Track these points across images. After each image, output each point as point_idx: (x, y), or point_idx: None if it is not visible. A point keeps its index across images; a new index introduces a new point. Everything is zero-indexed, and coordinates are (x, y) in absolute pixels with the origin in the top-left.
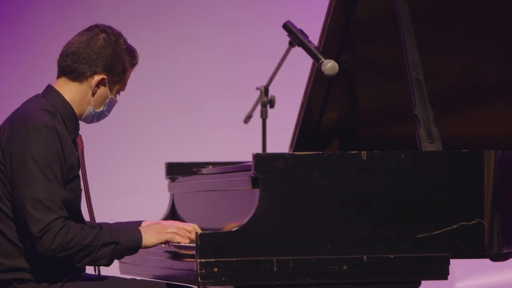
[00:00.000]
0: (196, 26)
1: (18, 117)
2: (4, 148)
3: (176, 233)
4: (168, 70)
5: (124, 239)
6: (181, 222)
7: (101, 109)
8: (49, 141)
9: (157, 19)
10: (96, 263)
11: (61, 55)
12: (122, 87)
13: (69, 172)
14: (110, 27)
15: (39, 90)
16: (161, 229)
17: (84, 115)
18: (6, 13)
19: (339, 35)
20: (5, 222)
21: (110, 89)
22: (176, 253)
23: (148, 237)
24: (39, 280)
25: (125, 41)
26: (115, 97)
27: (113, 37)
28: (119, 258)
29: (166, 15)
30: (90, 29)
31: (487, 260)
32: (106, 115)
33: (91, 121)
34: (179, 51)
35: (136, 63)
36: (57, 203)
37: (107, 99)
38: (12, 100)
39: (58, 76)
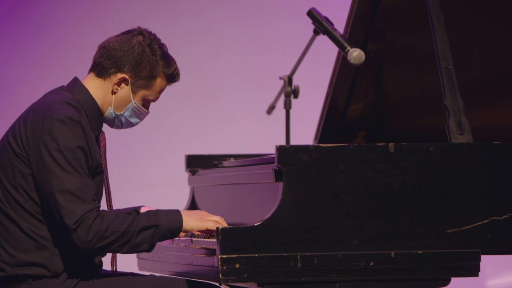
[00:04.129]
0: (218, 13)
1: (42, 108)
2: (27, 138)
3: (218, 223)
4: (189, 59)
5: (164, 222)
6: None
7: (122, 112)
8: (75, 135)
9: (179, 7)
10: (136, 250)
11: (97, 49)
12: (151, 96)
13: (95, 169)
14: (149, 32)
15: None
16: (203, 215)
17: (105, 115)
18: (10, 12)
19: (365, 22)
20: (21, 214)
21: (133, 93)
22: (196, 248)
23: (189, 220)
24: (54, 276)
25: (161, 47)
26: (141, 105)
27: (148, 40)
28: (160, 241)
29: (188, 2)
30: (131, 29)
31: None
32: (131, 123)
33: (113, 125)
34: (201, 39)
35: (171, 74)
36: (89, 194)
37: (130, 104)
38: (17, 99)
39: (89, 71)
